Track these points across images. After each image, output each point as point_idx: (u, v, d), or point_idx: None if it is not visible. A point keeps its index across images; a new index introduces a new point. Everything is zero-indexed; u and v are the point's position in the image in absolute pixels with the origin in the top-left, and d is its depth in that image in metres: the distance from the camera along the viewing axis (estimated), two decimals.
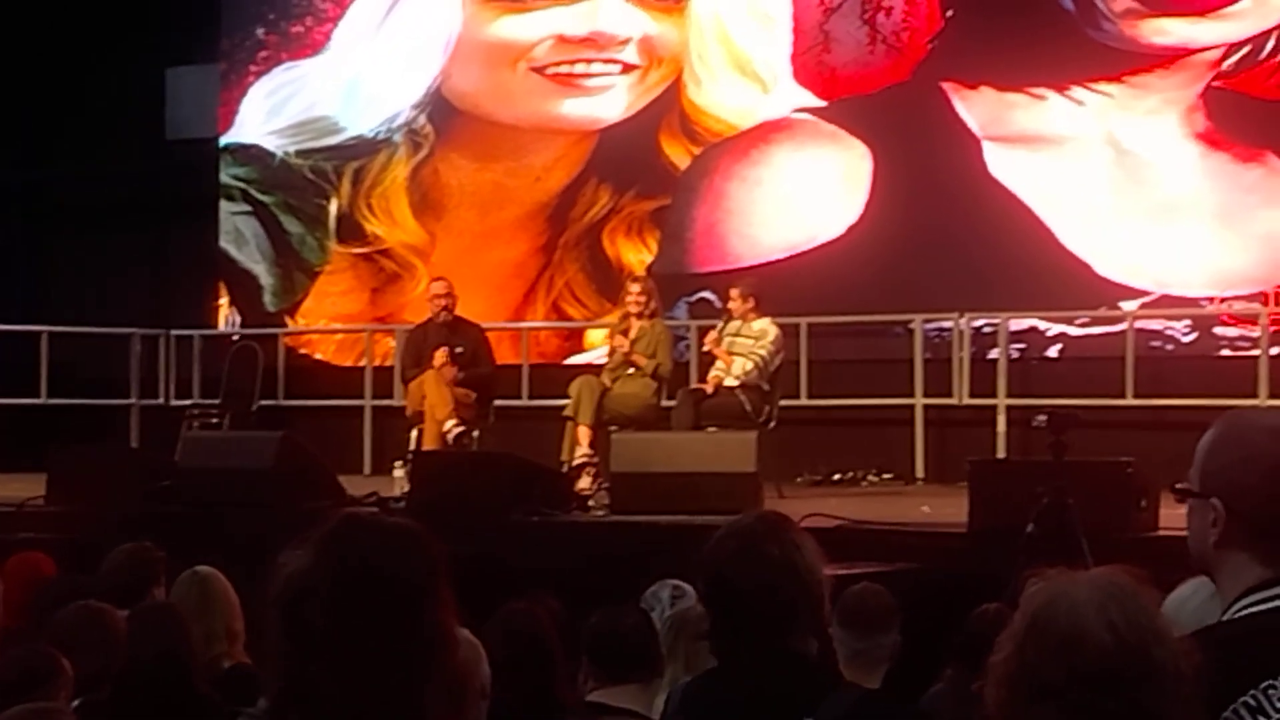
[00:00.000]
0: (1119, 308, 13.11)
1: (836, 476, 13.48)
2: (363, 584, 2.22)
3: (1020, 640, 2.35)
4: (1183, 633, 2.45)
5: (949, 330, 13.51)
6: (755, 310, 12.11)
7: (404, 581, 2.24)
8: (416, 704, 2.22)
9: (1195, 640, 2.42)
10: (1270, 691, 2.55)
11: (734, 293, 12.25)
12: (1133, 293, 13.13)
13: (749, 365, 11.94)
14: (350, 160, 16.29)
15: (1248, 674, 2.53)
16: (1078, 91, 13.38)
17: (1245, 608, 2.68)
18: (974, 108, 13.76)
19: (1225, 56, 12.97)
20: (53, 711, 4.70)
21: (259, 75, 16.75)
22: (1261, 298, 12.75)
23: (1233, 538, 2.71)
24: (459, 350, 12.58)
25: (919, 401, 13.35)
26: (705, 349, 12.26)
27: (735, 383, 11.92)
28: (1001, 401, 12.99)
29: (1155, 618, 2.35)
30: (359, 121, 16.25)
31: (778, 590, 3.46)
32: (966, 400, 13.26)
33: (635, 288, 12.50)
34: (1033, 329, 13.47)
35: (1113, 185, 13.28)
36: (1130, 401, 12.54)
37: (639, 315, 12.28)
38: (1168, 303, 13.06)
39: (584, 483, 11.51)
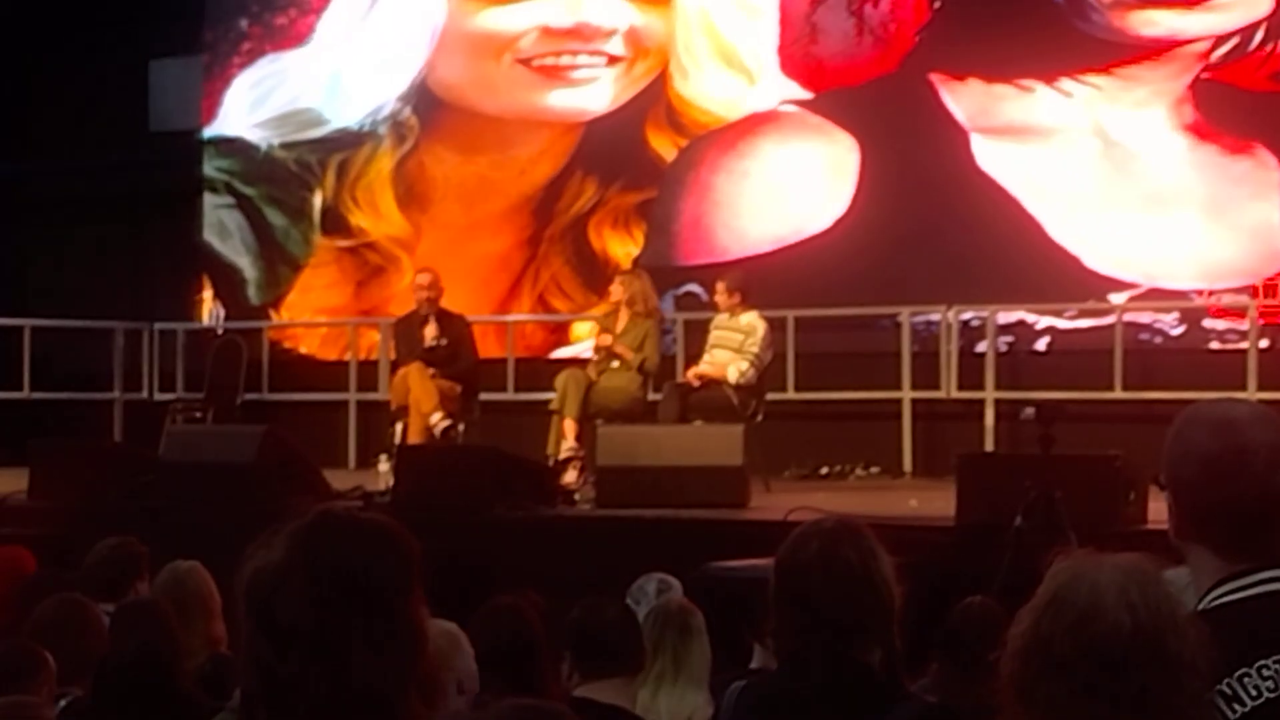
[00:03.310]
0: (1107, 300, 13.08)
1: (824, 470, 13.45)
2: (336, 582, 2.19)
3: (1039, 614, 2.36)
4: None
5: (937, 323, 13.47)
6: (742, 304, 12.06)
7: (378, 579, 2.21)
8: (388, 699, 2.19)
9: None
10: (1245, 679, 2.58)
11: (720, 286, 12.21)
12: (1121, 285, 13.10)
13: (744, 365, 11.86)
14: (334, 152, 16.24)
15: (1222, 663, 2.54)
16: (1066, 83, 13.34)
17: (1216, 598, 2.71)
18: (962, 99, 13.73)
19: (1214, 48, 12.94)
20: (30, 705, 4.66)
21: (242, 67, 16.68)
22: (1250, 290, 12.72)
23: (1185, 530, 2.79)
24: (442, 342, 12.53)
25: (907, 395, 13.32)
26: (694, 373, 12.13)
27: (734, 382, 11.83)
28: (990, 395, 12.97)
29: (1176, 606, 2.36)
30: (343, 114, 16.20)
31: (853, 598, 3.44)
32: (954, 393, 13.24)
33: (615, 285, 12.48)
34: (1021, 322, 13.45)
35: (1101, 177, 13.25)
36: (1119, 394, 12.52)
37: (630, 307, 12.23)
38: (1156, 295, 13.04)
39: (570, 477, 11.48)
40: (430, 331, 12.43)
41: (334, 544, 2.23)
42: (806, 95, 14.36)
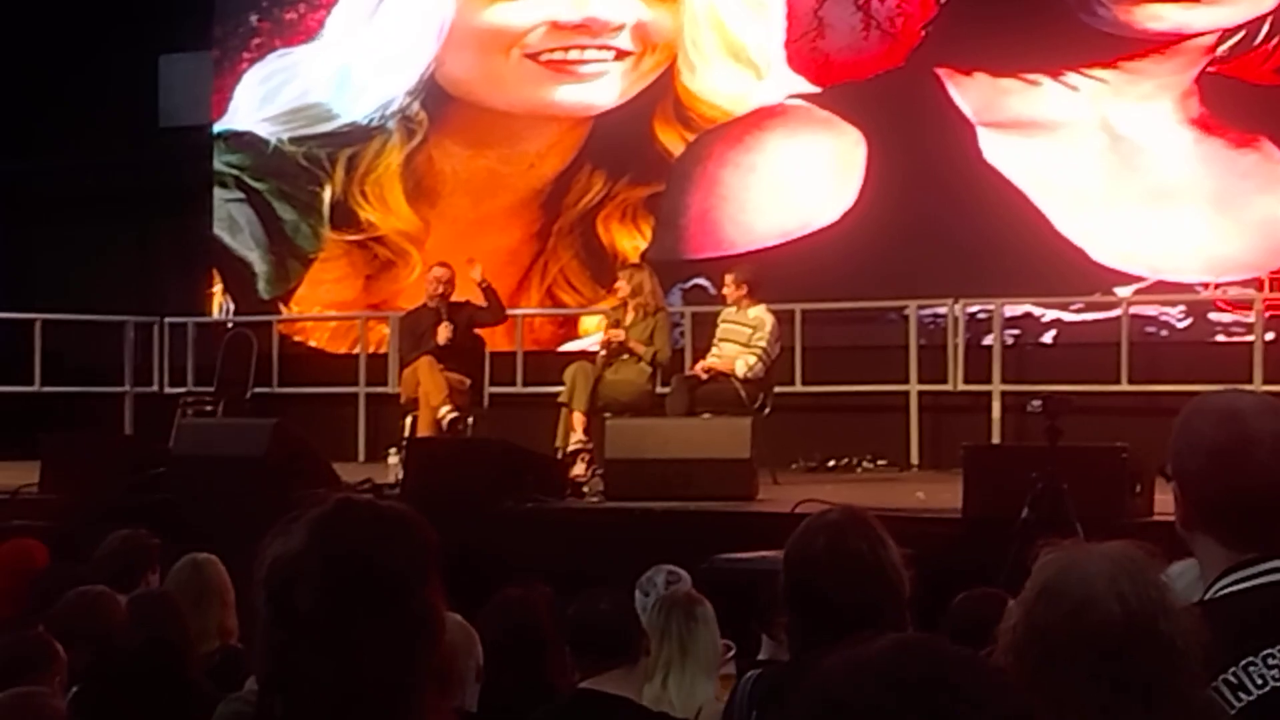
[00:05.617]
0: (1114, 293, 13.09)
1: (831, 463, 13.46)
2: (353, 570, 2.19)
3: (1030, 606, 2.37)
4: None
5: (944, 316, 13.49)
6: (749, 297, 12.08)
7: (394, 567, 2.21)
8: (404, 689, 2.19)
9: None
10: (1250, 668, 2.58)
11: (728, 280, 12.22)
12: (1128, 278, 13.11)
13: (752, 360, 11.87)
14: (344, 147, 16.27)
15: (1228, 652, 2.56)
16: (1072, 77, 13.35)
17: (1223, 588, 2.72)
18: (968, 93, 13.74)
19: (1220, 42, 12.94)
20: (39, 694, 4.69)
21: (252, 62, 16.72)
22: (1256, 283, 12.73)
23: (1191, 521, 2.79)
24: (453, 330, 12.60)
25: (914, 388, 13.34)
26: (702, 367, 12.14)
27: (742, 376, 11.84)
28: (996, 387, 12.99)
29: (1165, 591, 2.38)
30: (353, 108, 16.23)
31: (863, 588, 3.43)
32: (961, 386, 13.25)
33: (620, 282, 12.50)
34: (1027, 315, 13.46)
35: (1107, 171, 13.26)
36: (1125, 387, 12.53)
37: (635, 299, 12.25)
38: (1163, 288, 13.04)
39: (578, 469, 11.49)
40: (444, 333, 12.46)
41: (353, 532, 2.22)
42: (813, 90, 14.37)
